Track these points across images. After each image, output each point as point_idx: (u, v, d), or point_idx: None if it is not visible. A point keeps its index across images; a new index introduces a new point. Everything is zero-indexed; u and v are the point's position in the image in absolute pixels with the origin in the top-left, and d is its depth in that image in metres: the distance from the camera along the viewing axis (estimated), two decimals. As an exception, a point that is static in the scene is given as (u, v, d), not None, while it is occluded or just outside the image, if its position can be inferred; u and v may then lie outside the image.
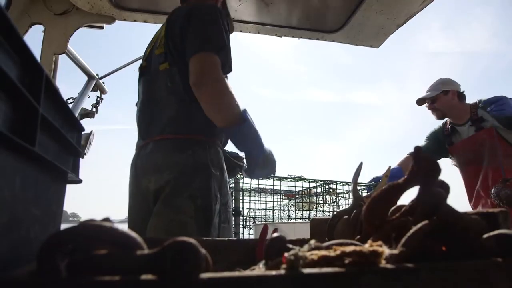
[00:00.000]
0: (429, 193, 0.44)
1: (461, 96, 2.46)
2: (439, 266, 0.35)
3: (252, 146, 1.29)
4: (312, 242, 0.38)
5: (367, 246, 0.34)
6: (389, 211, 0.50)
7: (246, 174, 1.53)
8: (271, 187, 2.49)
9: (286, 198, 2.70)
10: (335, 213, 0.76)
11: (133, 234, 0.30)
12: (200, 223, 1.21)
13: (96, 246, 0.29)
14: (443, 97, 2.44)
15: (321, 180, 2.61)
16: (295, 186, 2.50)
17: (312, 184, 2.64)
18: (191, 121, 1.30)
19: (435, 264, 0.35)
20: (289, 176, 2.46)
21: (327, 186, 2.62)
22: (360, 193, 0.76)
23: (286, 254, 0.32)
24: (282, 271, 0.30)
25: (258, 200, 2.50)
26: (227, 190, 1.35)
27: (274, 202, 2.63)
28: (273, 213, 2.56)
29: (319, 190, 2.67)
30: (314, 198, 2.68)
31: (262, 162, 1.32)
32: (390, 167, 0.76)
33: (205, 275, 0.27)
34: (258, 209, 2.52)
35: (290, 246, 0.37)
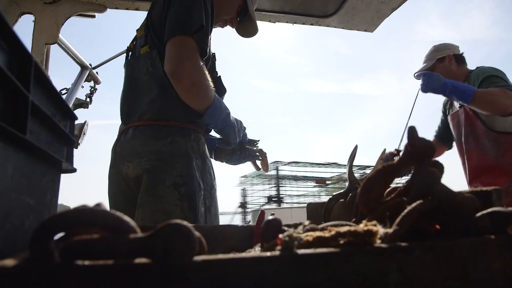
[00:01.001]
0: (423, 173, 0.44)
1: (460, 58, 2.23)
2: (433, 244, 0.35)
3: (225, 119, 1.29)
4: (307, 223, 0.38)
5: (361, 226, 0.34)
6: (385, 193, 0.50)
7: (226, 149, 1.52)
8: (305, 173, 2.47)
9: (316, 184, 2.69)
10: (330, 196, 0.76)
11: (126, 218, 0.30)
12: (186, 210, 1.20)
13: (88, 231, 0.29)
14: (439, 65, 2.22)
15: (356, 166, 2.58)
16: (327, 173, 2.47)
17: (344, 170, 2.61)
18: (171, 107, 1.27)
19: (430, 243, 0.35)
20: (323, 163, 2.45)
21: (361, 171, 2.59)
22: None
23: (280, 236, 0.32)
24: (277, 252, 0.30)
25: (293, 187, 2.50)
26: (210, 177, 1.33)
27: (306, 189, 2.62)
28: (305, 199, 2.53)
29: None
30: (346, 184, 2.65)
31: (238, 131, 1.36)
32: (385, 149, 0.76)
33: (198, 258, 0.27)
34: (293, 195, 2.51)
35: (286, 228, 0.37)
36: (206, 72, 1.21)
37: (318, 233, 0.34)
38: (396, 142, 2.56)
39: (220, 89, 1.44)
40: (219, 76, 1.49)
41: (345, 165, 2.55)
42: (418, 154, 0.45)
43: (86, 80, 2.47)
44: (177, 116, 1.28)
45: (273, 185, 2.32)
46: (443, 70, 2.20)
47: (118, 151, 1.33)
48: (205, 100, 1.23)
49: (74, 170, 0.66)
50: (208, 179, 1.31)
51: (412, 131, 0.46)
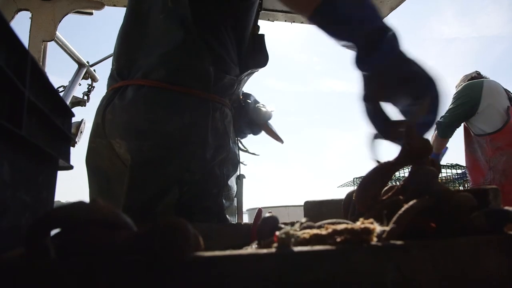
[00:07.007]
0: (420, 172, 0.44)
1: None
2: (430, 243, 0.35)
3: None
4: (304, 220, 0.38)
5: (358, 224, 0.34)
6: (382, 191, 0.50)
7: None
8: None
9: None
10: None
11: (123, 214, 0.30)
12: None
13: (85, 226, 0.29)
14: None
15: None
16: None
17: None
18: (196, 67, 0.89)
19: (427, 241, 0.35)
20: (447, 164, 2.61)
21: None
22: None
23: (277, 233, 0.32)
24: (273, 249, 0.30)
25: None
26: (234, 169, 1.00)
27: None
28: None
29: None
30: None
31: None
32: None
33: (195, 254, 0.27)
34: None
35: (282, 226, 0.37)
36: None
37: (315, 231, 0.34)
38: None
39: (259, 55, 1.04)
40: (263, 35, 1.04)
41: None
42: (416, 153, 0.45)
43: (83, 78, 2.46)
44: (201, 81, 0.90)
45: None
46: None
47: (109, 118, 0.91)
48: None
49: (70, 167, 0.66)
50: (229, 171, 0.96)
51: (409, 130, 0.46)
